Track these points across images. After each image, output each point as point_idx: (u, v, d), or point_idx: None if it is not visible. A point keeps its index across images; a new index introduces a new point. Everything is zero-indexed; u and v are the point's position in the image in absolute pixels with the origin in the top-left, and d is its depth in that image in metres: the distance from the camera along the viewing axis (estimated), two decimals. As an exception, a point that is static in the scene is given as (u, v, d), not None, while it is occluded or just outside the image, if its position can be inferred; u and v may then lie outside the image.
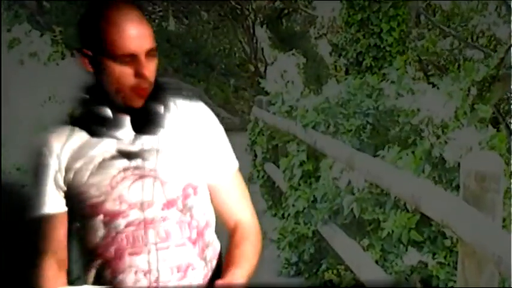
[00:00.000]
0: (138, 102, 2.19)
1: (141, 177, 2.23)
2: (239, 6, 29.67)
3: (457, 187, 3.63)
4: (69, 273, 2.38)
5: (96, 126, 2.22)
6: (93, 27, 2.10)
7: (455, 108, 5.09)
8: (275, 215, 9.10)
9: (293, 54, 21.47)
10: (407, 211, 4.63)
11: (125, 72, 2.11)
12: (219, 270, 2.37)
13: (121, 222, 2.22)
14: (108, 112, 2.21)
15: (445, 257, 4.43)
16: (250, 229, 2.43)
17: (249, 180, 12.47)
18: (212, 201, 2.42)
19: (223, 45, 28.96)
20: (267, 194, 10.25)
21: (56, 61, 10.80)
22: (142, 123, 2.23)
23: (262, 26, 30.95)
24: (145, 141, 2.24)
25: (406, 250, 4.61)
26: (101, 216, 2.23)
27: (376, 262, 4.82)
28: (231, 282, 2.15)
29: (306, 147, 6.65)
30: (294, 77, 16.95)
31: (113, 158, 2.22)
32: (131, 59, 2.10)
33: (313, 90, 10.81)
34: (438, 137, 4.90)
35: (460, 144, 4.38)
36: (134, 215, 2.22)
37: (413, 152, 4.83)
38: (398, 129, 5.40)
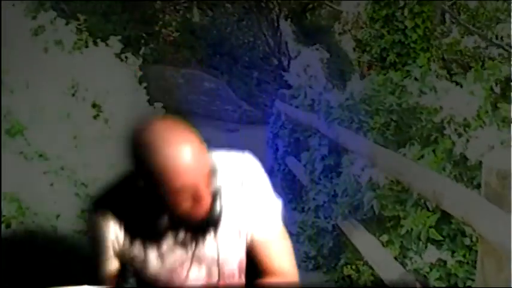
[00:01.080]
0: (200, 217, 2.15)
1: (199, 264, 2.28)
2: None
3: (478, 185, 3.64)
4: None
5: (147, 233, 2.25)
6: (145, 159, 2.03)
7: (478, 106, 5.09)
8: (295, 208, 9.13)
9: (317, 49, 21.42)
10: (428, 209, 4.65)
11: (183, 199, 2.07)
12: None
13: None
14: (164, 224, 2.21)
15: (464, 256, 4.46)
16: (289, 277, 2.38)
17: (269, 174, 12.53)
18: (257, 256, 2.38)
19: (247, 38, 28.90)
20: (288, 188, 10.28)
21: (80, 50, 10.89)
22: (203, 231, 2.24)
23: (286, 20, 30.96)
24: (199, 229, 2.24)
25: (426, 248, 4.63)
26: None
27: (395, 258, 4.84)
28: None
29: (328, 141, 6.68)
30: (317, 71, 16.90)
31: (171, 247, 2.25)
32: (190, 185, 2.04)
33: (336, 85, 10.84)
34: (460, 135, 4.91)
35: (482, 142, 4.40)
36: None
37: (434, 151, 4.85)
38: (420, 126, 5.41)
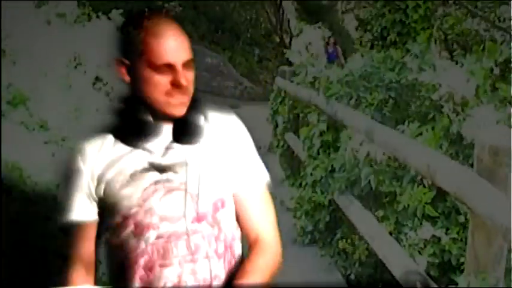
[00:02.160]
0: (179, 111, 2.22)
1: (172, 190, 2.26)
2: (267, -24, 29.73)
3: (473, 164, 3.70)
4: (97, 280, 2.41)
5: (133, 136, 2.25)
6: (133, 37, 2.17)
7: (477, 86, 5.13)
8: (293, 184, 9.18)
9: (319, 27, 21.31)
10: (424, 186, 4.70)
11: (162, 81, 2.15)
12: None
13: (151, 234, 2.25)
14: (149, 119, 2.24)
15: (457, 233, 4.47)
16: (269, 244, 2.40)
17: (269, 150, 12.61)
18: (236, 212, 2.41)
19: (249, 15, 28.99)
20: (286, 164, 10.36)
21: (82, 23, 10.90)
22: (183, 133, 2.27)
23: (289, -3, 30.99)
24: (176, 155, 2.26)
25: (421, 224, 4.67)
26: (131, 228, 2.27)
27: (390, 234, 4.90)
28: None
29: (327, 117, 6.73)
30: (318, 49, 16.78)
31: (145, 170, 2.25)
32: (169, 68, 2.14)
33: (337, 63, 10.89)
34: (457, 113, 4.95)
35: (478, 121, 4.44)
36: (165, 227, 2.25)
37: (433, 128, 4.89)
38: (419, 103, 5.46)
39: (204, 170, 2.28)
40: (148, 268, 2.27)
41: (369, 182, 5.24)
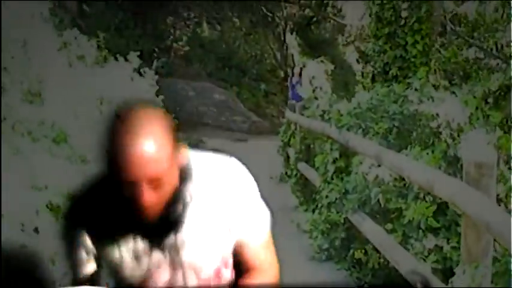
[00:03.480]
0: (148, 220, 2.12)
1: (175, 268, 2.27)
2: (270, 14, 30.30)
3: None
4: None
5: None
6: (108, 144, 2.00)
7: (470, 114, 5.84)
8: (306, 209, 9.83)
9: (322, 61, 22.00)
10: (426, 201, 5.38)
11: (129, 196, 2.03)
12: None
13: None
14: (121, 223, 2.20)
15: (457, 242, 5.00)
16: (270, 272, 2.40)
17: (280, 180, 13.27)
18: (239, 255, 2.37)
19: (254, 51, 29.44)
20: (299, 191, 10.96)
21: (100, 64, 11.55)
22: (159, 234, 2.22)
23: (292, 33, 31.52)
24: (178, 232, 2.22)
25: (425, 235, 5.35)
26: None
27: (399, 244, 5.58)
28: None
29: (339, 146, 7.44)
30: (322, 83, 17.43)
31: (148, 250, 2.24)
32: (133, 185, 2.01)
33: (341, 97, 11.40)
34: (454, 139, 5.69)
35: (470, 144, 5.16)
36: None
37: (432, 152, 5.57)
38: (420, 131, 6.16)
39: (206, 243, 2.26)
40: None
41: (378, 200, 5.93)
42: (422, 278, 5.02)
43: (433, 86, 9.08)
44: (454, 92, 6.64)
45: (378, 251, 6.15)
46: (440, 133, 5.85)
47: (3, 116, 6.23)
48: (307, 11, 31.20)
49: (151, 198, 2.02)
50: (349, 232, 7.11)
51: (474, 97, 6.11)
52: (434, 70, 15.39)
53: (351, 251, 6.85)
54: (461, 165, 5.23)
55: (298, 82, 20.99)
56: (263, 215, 2.37)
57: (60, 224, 2.34)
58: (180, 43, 28.37)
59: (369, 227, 6.29)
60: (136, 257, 2.24)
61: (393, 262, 5.49)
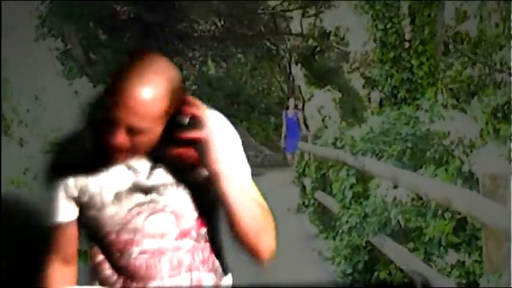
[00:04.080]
0: (118, 163, 2.18)
1: (156, 212, 2.24)
2: (274, 47, 30.57)
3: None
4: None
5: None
6: (110, 83, 2.07)
7: (481, 129, 5.97)
8: (327, 237, 9.92)
9: (328, 89, 22.15)
10: (445, 219, 5.50)
11: (106, 136, 2.08)
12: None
13: (135, 250, 2.26)
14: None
15: (479, 255, 5.14)
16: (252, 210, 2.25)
17: (298, 210, 13.38)
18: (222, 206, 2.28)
19: (261, 86, 29.65)
20: (318, 220, 11.06)
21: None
22: (142, 176, 2.22)
23: (297, 64, 31.74)
24: (161, 175, 2.23)
25: (446, 251, 5.46)
26: (115, 243, 2.28)
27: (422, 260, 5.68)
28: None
29: (355, 171, 7.57)
30: (330, 111, 17.48)
31: (130, 191, 2.22)
32: (113, 127, 2.05)
33: (350, 124, 11.50)
34: (467, 155, 5.81)
35: (483, 158, 5.29)
36: (148, 244, 2.25)
37: (446, 170, 5.70)
38: (433, 150, 6.28)
39: (188, 186, 2.26)
40: (130, 282, 2.30)
41: (398, 221, 6.06)
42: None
43: (442, 105, 9.21)
44: (463, 109, 6.77)
45: (401, 271, 6.25)
46: (454, 150, 5.97)
47: (26, 167, 6.40)
48: (310, 41, 31.44)
49: (125, 144, 2.06)
50: (372, 255, 7.18)
51: (483, 112, 6.24)
52: (442, 89, 15.54)
53: (375, 273, 6.93)
54: (477, 180, 5.36)
55: (294, 118, 18.97)
56: (244, 166, 2.33)
57: (43, 172, 2.34)
58: (188, 82, 28.55)
59: (391, 248, 6.37)
60: (118, 199, 2.21)
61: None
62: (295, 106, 19.82)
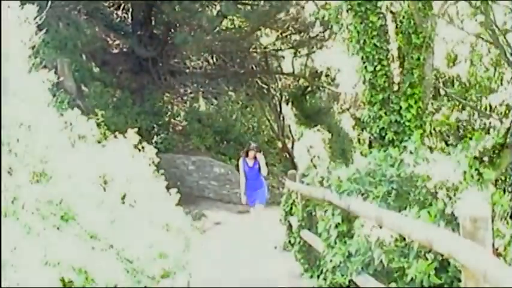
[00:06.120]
0: None
1: None
2: (266, 86, 30.86)
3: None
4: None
5: None
6: None
7: (464, 172, 6.07)
8: (311, 276, 10.00)
9: (318, 130, 22.18)
10: (427, 259, 5.57)
11: None
12: None
13: None
14: None
15: None
16: None
17: (284, 249, 13.45)
18: None
19: (251, 124, 29.78)
20: (303, 258, 11.10)
21: (101, 143, 11.87)
22: None
23: (287, 104, 32.03)
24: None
25: None
26: None
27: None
28: None
29: (340, 211, 7.61)
30: (320, 151, 17.46)
31: None
32: None
33: (339, 164, 11.63)
34: (450, 197, 5.90)
35: (465, 201, 5.37)
36: None
37: (429, 212, 5.78)
38: (417, 192, 6.37)
39: None
40: None
41: (381, 261, 6.12)
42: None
43: (429, 148, 9.33)
44: (449, 153, 6.86)
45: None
46: (437, 193, 6.05)
47: (15, 196, 6.46)
48: (301, 81, 31.72)
49: None
50: (354, 295, 7.22)
51: (466, 156, 6.34)
52: (430, 132, 15.70)
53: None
54: (458, 223, 5.47)
55: (254, 165, 14.86)
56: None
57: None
58: (178, 118, 28.74)
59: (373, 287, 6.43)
60: None
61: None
62: (255, 151, 14.90)
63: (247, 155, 14.84)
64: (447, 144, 18.78)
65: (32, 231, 6.20)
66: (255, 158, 14.65)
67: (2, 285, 5.11)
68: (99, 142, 11.89)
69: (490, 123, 18.80)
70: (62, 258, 6.04)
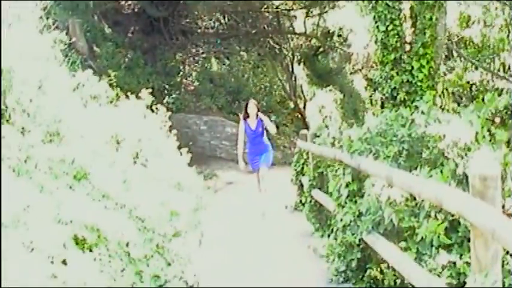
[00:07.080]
0: None
1: None
2: (277, 46, 30.67)
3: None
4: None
5: None
6: None
7: (476, 133, 6.05)
8: (322, 235, 10.06)
9: (330, 90, 22.16)
10: (437, 219, 5.59)
11: None
12: None
13: None
14: None
15: (470, 257, 5.30)
16: None
17: (295, 208, 13.50)
18: None
19: (263, 84, 29.70)
20: (314, 218, 11.17)
21: (113, 103, 11.84)
22: None
23: (299, 64, 31.88)
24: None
25: (438, 252, 5.54)
26: None
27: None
28: None
29: (351, 170, 7.65)
30: (332, 111, 17.42)
31: None
32: None
33: (350, 124, 11.60)
34: (462, 157, 5.89)
35: (477, 161, 5.36)
36: None
37: (441, 172, 5.78)
38: (428, 152, 6.36)
39: None
40: None
41: (391, 220, 6.14)
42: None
43: (441, 108, 9.29)
44: (459, 113, 6.83)
45: (393, 269, 6.35)
46: (448, 153, 6.04)
47: (28, 155, 6.49)
48: (313, 41, 31.54)
49: None
50: (365, 253, 7.30)
51: (478, 117, 6.31)
52: (442, 93, 15.64)
53: (368, 271, 7.04)
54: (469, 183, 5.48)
55: (259, 125, 13.29)
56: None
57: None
58: (190, 79, 28.73)
59: (383, 247, 6.48)
60: None
61: (409, 279, 5.68)
62: (257, 112, 13.35)
63: (248, 116, 13.33)
64: (459, 105, 18.69)
65: (44, 190, 6.23)
66: (257, 117, 13.21)
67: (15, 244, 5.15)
68: (111, 102, 11.87)
69: (503, 84, 18.68)
70: (75, 216, 6.08)
